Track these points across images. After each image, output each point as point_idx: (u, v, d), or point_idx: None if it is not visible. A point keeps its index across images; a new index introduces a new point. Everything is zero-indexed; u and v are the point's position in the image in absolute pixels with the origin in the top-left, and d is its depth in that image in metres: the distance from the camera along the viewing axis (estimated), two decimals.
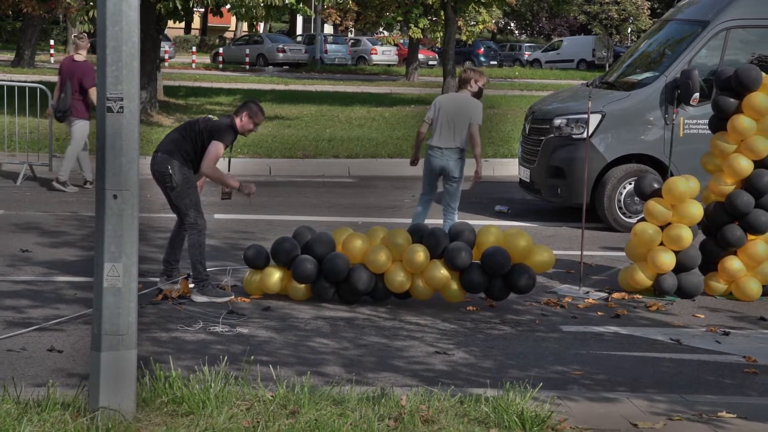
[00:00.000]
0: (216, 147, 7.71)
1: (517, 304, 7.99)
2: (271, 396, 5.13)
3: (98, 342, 4.77)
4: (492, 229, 7.93)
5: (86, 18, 18.99)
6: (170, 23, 21.48)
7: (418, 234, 7.80)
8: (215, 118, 7.92)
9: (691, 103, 10.40)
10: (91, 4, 18.83)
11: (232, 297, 7.76)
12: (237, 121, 7.85)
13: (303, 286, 7.75)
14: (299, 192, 13.26)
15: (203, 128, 7.79)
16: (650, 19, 52.35)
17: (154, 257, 8.95)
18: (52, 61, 38.53)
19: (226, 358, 5.58)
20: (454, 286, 7.69)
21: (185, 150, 7.74)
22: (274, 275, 7.80)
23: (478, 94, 9.35)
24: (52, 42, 42.71)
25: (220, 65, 43.09)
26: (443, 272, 7.61)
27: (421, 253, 7.59)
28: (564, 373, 6.34)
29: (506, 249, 7.69)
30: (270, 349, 6.60)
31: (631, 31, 56.36)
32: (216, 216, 10.19)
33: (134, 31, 4.72)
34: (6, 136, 13.99)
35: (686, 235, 8.21)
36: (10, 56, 36.94)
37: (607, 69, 13.44)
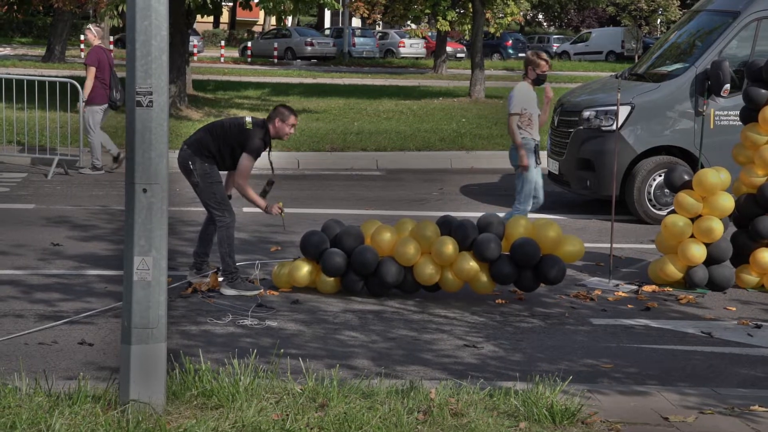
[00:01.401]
0: (247, 161, 7.74)
1: (546, 296, 7.95)
2: (300, 389, 5.14)
3: (128, 335, 4.79)
4: (521, 221, 7.89)
5: (116, 12, 19.08)
6: (199, 17, 21.55)
7: (447, 226, 7.78)
8: (249, 123, 7.81)
9: (721, 94, 10.31)
10: None
11: (261, 290, 7.78)
12: (271, 127, 7.83)
13: (332, 279, 7.76)
14: (327, 185, 13.27)
15: (235, 132, 7.77)
16: (680, 10, 51.95)
17: (183, 251, 8.99)
18: (83, 56, 38.79)
19: (255, 351, 5.59)
20: (484, 278, 7.66)
21: (209, 148, 7.74)
22: (303, 268, 7.81)
23: (537, 81, 9.23)
24: (82, 37, 43.00)
25: (249, 59, 43.21)
26: (472, 264, 7.59)
27: (449, 245, 7.56)
28: (594, 367, 6.31)
29: (536, 240, 7.65)
30: (299, 342, 6.61)
31: (661, 22, 55.95)
32: (244, 210, 10.20)
33: (163, 25, 4.73)
34: (37, 131, 14.10)
35: (717, 227, 8.13)
36: (41, 51, 37.25)
37: (637, 60, 13.34)
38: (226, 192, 8.05)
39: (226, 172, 8.05)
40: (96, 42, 13.10)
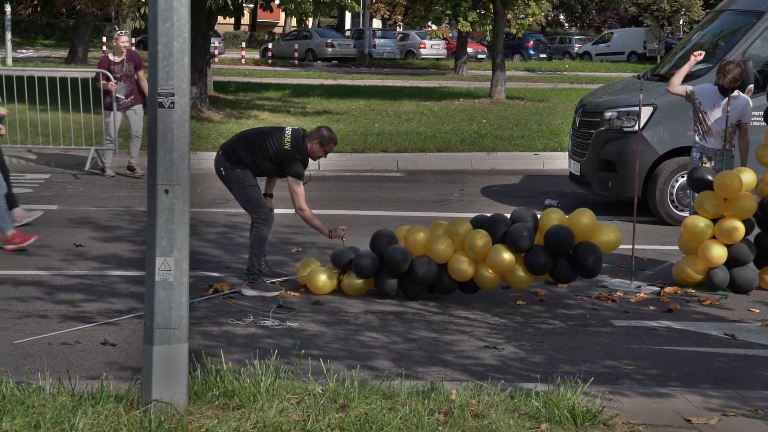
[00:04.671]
0: (296, 185, 7.69)
1: (567, 298, 7.93)
2: (321, 390, 5.14)
3: (150, 336, 4.82)
4: (553, 213, 7.78)
5: (138, 14, 19.19)
6: (220, 19, 21.63)
7: (480, 224, 7.72)
8: (288, 142, 7.65)
9: (745, 94, 10.23)
10: (143, 1, 19.02)
11: (282, 291, 7.79)
12: (309, 145, 7.76)
13: (360, 281, 7.72)
14: (348, 186, 13.28)
15: (272, 148, 7.66)
16: (703, 10, 51.68)
17: (205, 251, 9.03)
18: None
19: (276, 351, 5.60)
20: (521, 271, 7.54)
21: (241, 158, 7.68)
22: (321, 278, 7.74)
23: (723, 90, 8.85)
24: (104, 39, 43.25)
25: (270, 60, 43.33)
26: (506, 255, 7.46)
27: (482, 237, 7.47)
28: (616, 368, 6.28)
29: (569, 227, 7.55)
30: (320, 343, 6.62)
31: (684, 22, 55.68)
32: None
33: (185, 27, 4.75)
34: (73, 130, 14.17)
35: (739, 229, 8.08)
36: (63, 53, 37.49)
37: (659, 61, 13.27)
38: (268, 190, 8.06)
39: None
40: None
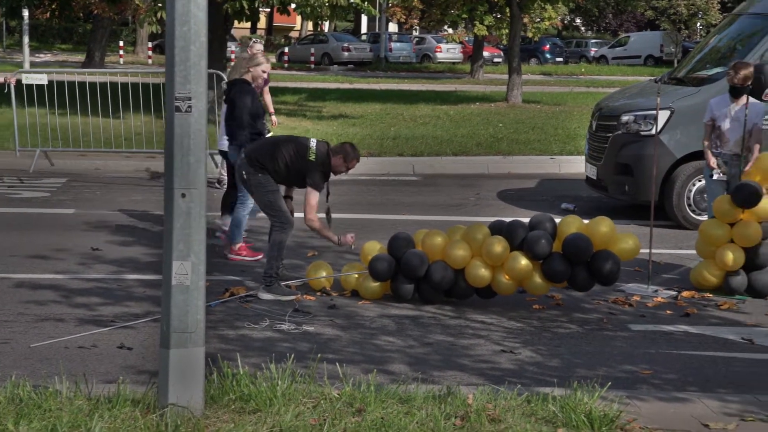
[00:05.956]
0: (312, 196, 7.70)
1: (584, 302, 7.90)
2: (338, 394, 5.14)
3: (167, 339, 4.82)
4: (572, 220, 7.76)
5: (154, 19, 19.25)
6: (236, 23, 21.67)
7: (498, 230, 7.71)
8: (312, 153, 7.66)
9: (763, 98, 10.18)
10: (160, 5, 19.09)
11: (298, 295, 7.80)
12: (332, 159, 7.77)
13: (376, 285, 7.72)
14: (364, 190, 13.28)
15: (295, 158, 7.67)
16: (720, 14, 51.47)
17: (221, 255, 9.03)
18: (122, 62, 39.17)
19: (292, 355, 5.60)
20: (537, 278, 7.55)
21: (264, 164, 7.71)
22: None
23: (734, 91, 8.84)
24: (121, 43, 43.45)
25: (286, 64, 43.41)
26: (524, 262, 7.46)
27: (499, 244, 7.47)
28: (633, 373, 6.26)
29: (587, 235, 7.54)
30: (336, 347, 6.62)
31: (701, 26, 55.49)
32: None
33: (202, 31, 4.76)
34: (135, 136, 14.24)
35: (755, 233, 8.03)
36: (81, 58, 37.66)
37: (676, 65, 13.23)
38: (288, 192, 8.07)
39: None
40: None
